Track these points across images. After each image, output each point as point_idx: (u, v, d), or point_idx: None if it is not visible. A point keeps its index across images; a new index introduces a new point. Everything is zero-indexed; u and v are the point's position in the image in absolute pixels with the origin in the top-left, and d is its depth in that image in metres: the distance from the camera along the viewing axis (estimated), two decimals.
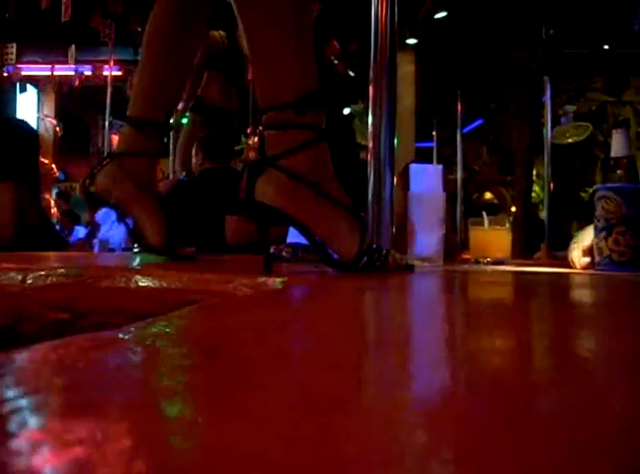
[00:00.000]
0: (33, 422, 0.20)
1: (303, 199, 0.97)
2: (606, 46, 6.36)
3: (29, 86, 8.43)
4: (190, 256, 1.33)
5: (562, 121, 6.02)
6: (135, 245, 1.35)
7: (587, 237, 1.48)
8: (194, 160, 2.99)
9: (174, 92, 1.41)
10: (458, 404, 0.24)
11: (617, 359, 0.35)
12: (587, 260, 1.48)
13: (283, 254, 1.38)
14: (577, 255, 1.52)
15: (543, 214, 7.40)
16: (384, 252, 1.03)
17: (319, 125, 1.01)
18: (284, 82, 1.01)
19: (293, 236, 1.72)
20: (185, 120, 4.07)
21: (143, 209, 1.29)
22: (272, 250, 1.41)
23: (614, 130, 1.41)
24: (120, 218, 1.33)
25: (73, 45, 6.97)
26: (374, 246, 1.02)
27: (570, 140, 6.08)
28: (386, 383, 0.27)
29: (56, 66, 7.85)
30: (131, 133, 1.34)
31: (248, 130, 7.31)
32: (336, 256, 1.00)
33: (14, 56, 7.07)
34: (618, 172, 1.37)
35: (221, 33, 4.06)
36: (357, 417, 0.22)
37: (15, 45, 7.01)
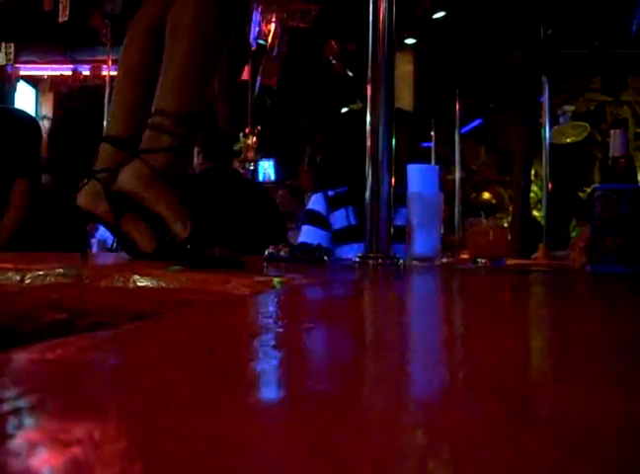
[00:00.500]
0: (31, 422, 0.20)
1: (157, 189, 1.20)
2: (605, 47, 6.37)
3: (28, 86, 8.41)
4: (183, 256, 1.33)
5: (561, 121, 6.02)
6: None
7: (584, 237, 1.48)
8: (195, 159, 2.98)
9: (150, 109, 1.43)
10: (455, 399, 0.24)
11: (617, 361, 0.35)
12: (585, 259, 1.48)
13: (282, 254, 1.38)
14: (576, 254, 1.52)
15: (536, 214, 7.40)
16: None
17: (189, 139, 1.25)
18: (181, 97, 1.25)
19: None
20: None
21: (129, 221, 1.31)
22: (270, 250, 1.41)
23: (613, 130, 1.41)
24: (109, 230, 1.34)
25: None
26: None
27: (568, 140, 6.07)
28: (383, 383, 0.27)
29: (54, 66, 7.83)
30: (110, 151, 1.36)
31: (246, 130, 7.30)
32: (172, 236, 1.19)
33: (12, 56, 7.05)
34: (616, 172, 1.37)
35: None
36: (354, 416, 0.22)
37: (13, 45, 7.00)
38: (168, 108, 1.24)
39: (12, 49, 7.00)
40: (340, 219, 2.47)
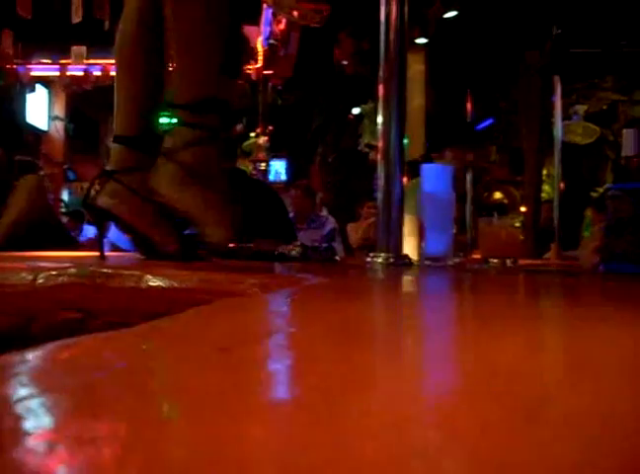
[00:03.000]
0: (46, 421, 0.20)
1: (187, 189, 1.12)
2: (617, 45, 6.34)
3: (40, 86, 8.45)
4: (202, 256, 1.32)
5: (574, 120, 6.00)
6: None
7: (597, 237, 1.48)
8: None
9: (156, 101, 1.39)
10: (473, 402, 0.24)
11: (628, 360, 0.35)
12: (597, 259, 1.48)
13: (293, 253, 1.38)
14: (587, 254, 1.51)
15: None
16: (254, 242, 1.17)
17: (212, 127, 1.15)
18: (189, 85, 1.18)
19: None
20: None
21: (152, 222, 1.28)
22: (281, 249, 1.41)
23: (625, 130, 1.40)
24: (125, 231, 1.33)
25: (84, 47, 7.00)
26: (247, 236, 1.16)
27: (577, 139, 6.05)
28: (396, 381, 0.27)
29: (66, 67, 7.85)
30: (123, 152, 1.32)
31: (258, 130, 7.31)
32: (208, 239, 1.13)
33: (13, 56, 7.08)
34: (629, 171, 1.36)
35: None
36: (369, 414, 0.22)
37: (19, 45, 7.03)
38: (178, 99, 1.17)
39: (18, 50, 7.03)
40: None
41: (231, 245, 1.16)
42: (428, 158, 3.20)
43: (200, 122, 1.14)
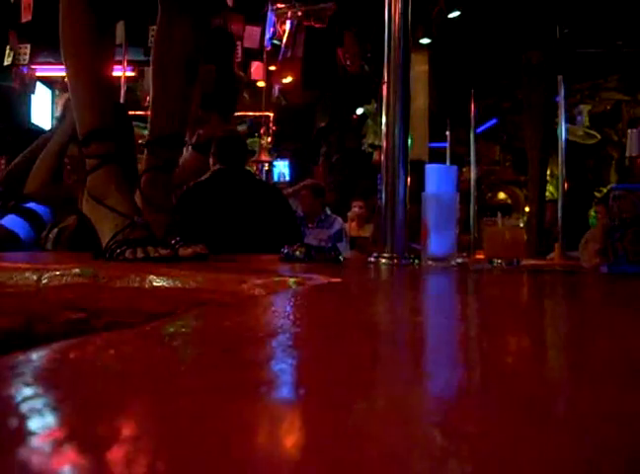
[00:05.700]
0: (53, 421, 0.20)
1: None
2: (621, 45, 6.33)
3: (44, 87, 8.45)
4: (201, 254, 1.31)
5: (578, 120, 6.00)
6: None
7: (597, 236, 1.47)
8: (210, 161, 3.00)
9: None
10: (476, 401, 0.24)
11: (628, 361, 0.35)
12: (598, 259, 1.47)
13: (297, 254, 1.38)
14: (588, 254, 1.50)
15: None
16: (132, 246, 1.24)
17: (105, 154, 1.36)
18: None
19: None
20: None
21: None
22: (285, 250, 1.41)
23: (630, 130, 1.40)
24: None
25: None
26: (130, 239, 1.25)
27: (578, 140, 6.05)
28: (399, 381, 0.27)
29: None
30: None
31: (261, 131, 7.31)
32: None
33: (27, 57, 7.05)
34: (634, 171, 1.36)
35: (211, 67, 3.90)
36: (372, 416, 0.22)
37: (29, 46, 7.01)
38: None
39: (27, 50, 7.00)
40: None
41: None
42: None
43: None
